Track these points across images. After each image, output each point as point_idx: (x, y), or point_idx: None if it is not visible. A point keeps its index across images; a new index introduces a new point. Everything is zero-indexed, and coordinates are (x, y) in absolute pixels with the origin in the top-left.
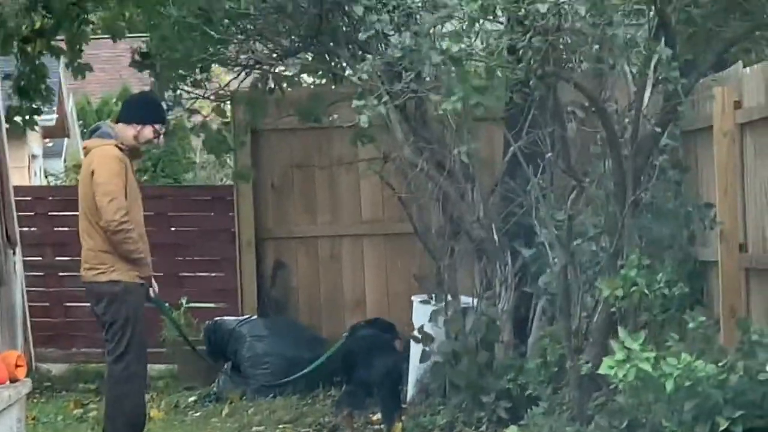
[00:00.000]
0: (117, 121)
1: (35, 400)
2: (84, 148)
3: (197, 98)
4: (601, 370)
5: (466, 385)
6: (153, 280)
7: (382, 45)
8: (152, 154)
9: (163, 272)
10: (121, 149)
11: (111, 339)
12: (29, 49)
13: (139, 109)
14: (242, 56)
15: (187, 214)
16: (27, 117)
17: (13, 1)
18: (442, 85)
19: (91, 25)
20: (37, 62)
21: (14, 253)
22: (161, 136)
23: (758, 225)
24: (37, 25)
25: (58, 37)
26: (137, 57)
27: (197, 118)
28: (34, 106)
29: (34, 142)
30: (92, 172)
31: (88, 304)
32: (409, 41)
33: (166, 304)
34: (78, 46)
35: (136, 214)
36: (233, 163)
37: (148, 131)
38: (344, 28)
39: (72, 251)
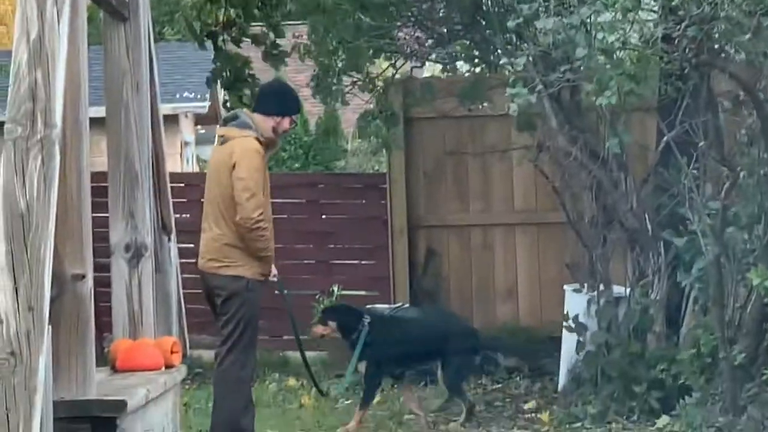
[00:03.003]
0: (254, 111)
1: (188, 387)
2: (221, 135)
3: (353, 86)
4: None
5: (617, 374)
6: (274, 268)
7: (536, 34)
8: (303, 142)
9: (315, 260)
10: (260, 142)
11: (226, 332)
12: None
13: (279, 100)
14: (398, 43)
15: (338, 201)
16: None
17: None
18: (596, 77)
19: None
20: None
21: (169, 241)
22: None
23: None
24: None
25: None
26: (273, 51)
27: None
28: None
29: (187, 128)
30: (233, 165)
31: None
32: (563, 31)
33: (286, 292)
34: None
35: (268, 208)
36: (386, 149)
37: (286, 123)
38: (498, 16)
39: None
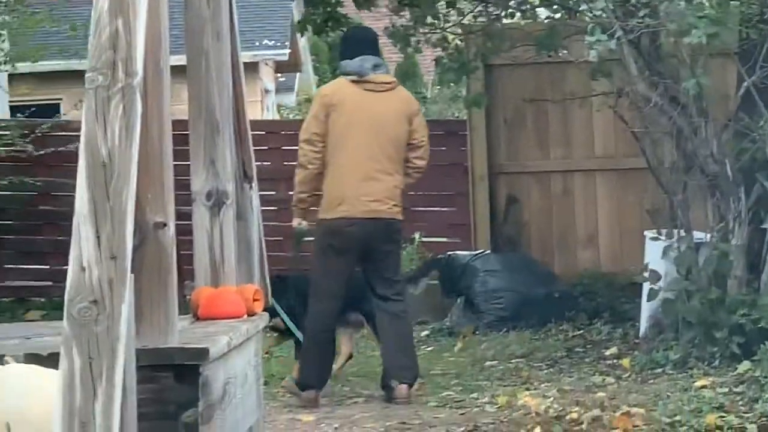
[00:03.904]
0: (378, 55)
1: (269, 334)
2: (387, 82)
3: (433, 32)
4: None
5: (698, 320)
6: None
7: None
8: None
9: None
10: None
11: (397, 275)
12: None
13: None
14: None
15: None
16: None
17: None
18: (677, 20)
19: None
20: None
21: (251, 188)
22: None
23: None
24: None
25: None
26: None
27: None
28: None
29: (267, 76)
30: (416, 110)
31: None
32: None
33: None
34: None
35: None
36: (466, 94)
37: None
38: None
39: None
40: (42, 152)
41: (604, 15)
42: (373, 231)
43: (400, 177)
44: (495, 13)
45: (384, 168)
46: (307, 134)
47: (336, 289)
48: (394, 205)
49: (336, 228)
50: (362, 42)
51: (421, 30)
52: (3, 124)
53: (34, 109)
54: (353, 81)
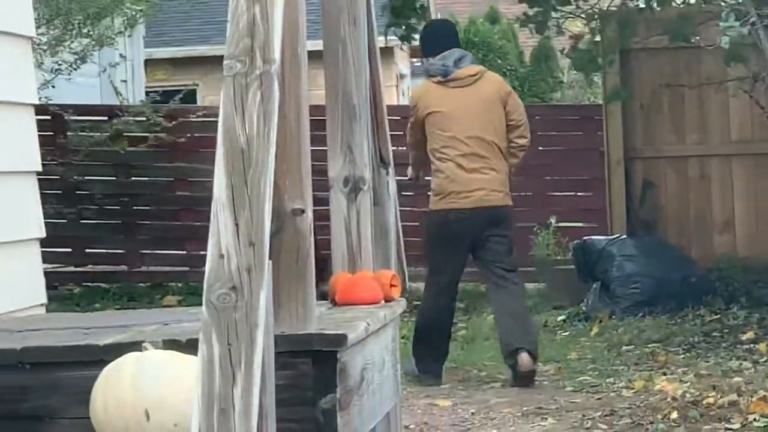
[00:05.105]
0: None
1: (406, 319)
2: (475, 74)
3: (567, 17)
4: None
5: None
6: None
7: None
8: (519, 74)
9: (532, 192)
10: None
11: (508, 258)
12: None
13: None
14: None
15: (555, 133)
16: (404, 33)
17: None
18: None
19: None
20: None
21: (387, 174)
22: None
23: None
24: None
25: None
26: None
27: (566, 38)
28: (410, 22)
29: (402, 61)
30: (508, 93)
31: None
32: None
33: None
34: None
35: None
36: (601, 82)
37: None
38: None
39: None
40: (180, 138)
41: (739, 0)
42: (482, 220)
43: (504, 162)
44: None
45: (487, 157)
46: (409, 139)
47: (448, 278)
48: (501, 192)
49: (445, 220)
50: (442, 36)
51: (553, 15)
52: (139, 110)
53: (180, 95)
54: (438, 82)
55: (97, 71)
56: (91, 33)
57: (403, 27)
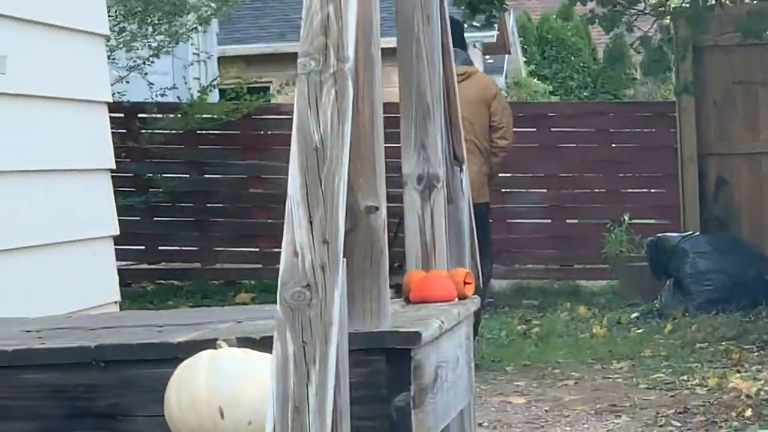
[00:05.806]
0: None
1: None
2: (463, 73)
3: (638, 14)
4: None
5: None
6: None
7: None
8: (592, 70)
9: (605, 188)
10: None
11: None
12: None
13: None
14: None
15: (628, 130)
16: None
17: None
18: None
19: None
20: None
21: (461, 171)
22: None
23: None
24: None
25: None
26: None
27: (637, 35)
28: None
29: (475, 58)
30: (494, 95)
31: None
32: None
33: None
34: None
35: None
36: (674, 78)
37: None
38: None
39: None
40: (253, 134)
41: None
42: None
43: (482, 161)
44: None
45: (476, 152)
46: None
47: None
48: (475, 191)
49: None
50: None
51: (625, 13)
52: (212, 107)
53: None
54: None
55: (170, 68)
56: (167, 30)
57: (485, 16)
